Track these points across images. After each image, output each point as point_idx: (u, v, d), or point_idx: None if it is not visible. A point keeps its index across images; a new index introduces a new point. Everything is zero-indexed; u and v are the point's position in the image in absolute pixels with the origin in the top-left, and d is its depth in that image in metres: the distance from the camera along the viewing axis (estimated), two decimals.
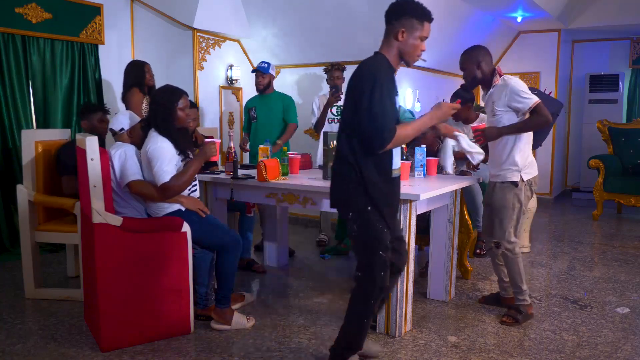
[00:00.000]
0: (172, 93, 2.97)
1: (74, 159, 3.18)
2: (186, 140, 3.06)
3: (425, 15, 2.34)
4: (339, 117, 4.85)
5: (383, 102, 2.22)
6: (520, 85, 3.03)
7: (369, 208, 2.33)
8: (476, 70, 3.16)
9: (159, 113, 2.92)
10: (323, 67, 4.96)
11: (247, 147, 4.79)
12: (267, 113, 4.70)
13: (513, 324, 3.14)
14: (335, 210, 2.74)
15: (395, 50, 2.37)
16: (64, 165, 3.58)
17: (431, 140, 3.97)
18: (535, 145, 3.26)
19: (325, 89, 5.14)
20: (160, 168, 2.83)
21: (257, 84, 4.72)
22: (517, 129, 3.04)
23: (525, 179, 3.13)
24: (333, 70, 4.82)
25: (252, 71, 4.77)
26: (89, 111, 3.84)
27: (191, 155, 3.03)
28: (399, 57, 2.39)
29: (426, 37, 2.37)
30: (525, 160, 3.12)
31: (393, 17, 2.35)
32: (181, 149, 2.95)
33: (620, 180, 6.33)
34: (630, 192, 6.20)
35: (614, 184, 6.31)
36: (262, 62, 4.73)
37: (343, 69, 4.86)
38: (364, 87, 2.22)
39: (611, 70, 7.92)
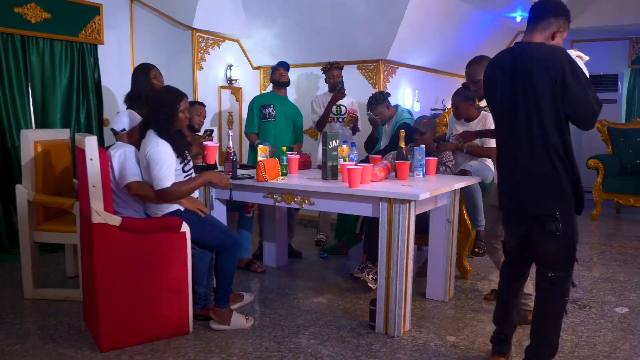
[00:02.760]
0: (175, 95, 2.98)
1: None
2: (183, 141, 3.06)
3: (570, 20, 2.40)
4: (338, 116, 4.86)
5: (587, 79, 2.25)
6: None
7: (571, 201, 2.31)
8: None
9: (161, 114, 2.91)
10: (321, 67, 4.96)
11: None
12: (285, 115, 4.65)
13: None
14: (333, 210, 2.68)
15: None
16: None
17: (429, 141, 3.97)
18: None
19: (323, 88, 5.13)
20: (160, 172, 2.82)
21: (280, 78, 4.62)
22: (487, 133, 2.92)
23: None
24: (332, 69, 4.82)
25: (275, 66, 4.68)
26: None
27: (189, 157, 3.05)
28: None
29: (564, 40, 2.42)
30: None
31: (553, 14, 2.36)
32: (179, 151, 2.95)
33: (619, 180, 6.33)
34: (629, 192, 6.20)
35: (613, 184, 6.31)
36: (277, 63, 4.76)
37: (340, 67, 4.87)
38: (569, 71, 2.21)
39: (610, 70, 7.92)
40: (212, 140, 3.72)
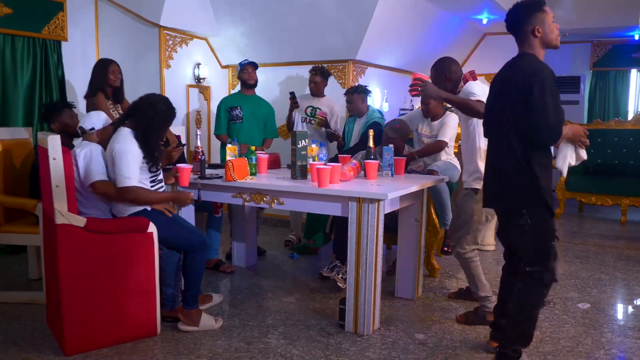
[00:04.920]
0: (173, 112, 3.02)
1: None
2: (159, 146, 3.04)
3: (541, 3, 2.47)
4: (311, 117, 4.85)
5: (554, 100, 2.32)
6: (470, 87, 3.02)
7: (540, 200, 2.43)
8: (446, 82, 3.15)
9: (157, 122, 2.92)
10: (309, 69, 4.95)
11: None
12: (254, 115, 4.61)
13: (462, 323, 3.20)
14: (302, 209, 2.69)
15: (537, 46, 2.48)
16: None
17: (398, 144, 4.01)
18: None
19: (292, 88, 5.14)
20: (125, 170, 2.79)
21: (248, 79, 4.58)
22: (457, 101, 2.95)
23: None
24: (311, 74, 4.81)
25: (244, 62, 4.61)
26: (55, 112, 3.69)
27: (159, 160, 3.02)
28: (544, 48, 2.52)
29: (553, 17, 2.51)
30: None
31: (519, 26, 2.46)
32: (153, 155, 2.91)
33: (582, 179, 6.51)
34: (591, 191, 6.39)
35: (576, 183, 6.49)
36: (246, 59, 4.70)
37: (325, 74, 4.80)
38: (539, 82, 2.30)
39: (573, 72, 8.14)
40: (181, 149, 3.64)
